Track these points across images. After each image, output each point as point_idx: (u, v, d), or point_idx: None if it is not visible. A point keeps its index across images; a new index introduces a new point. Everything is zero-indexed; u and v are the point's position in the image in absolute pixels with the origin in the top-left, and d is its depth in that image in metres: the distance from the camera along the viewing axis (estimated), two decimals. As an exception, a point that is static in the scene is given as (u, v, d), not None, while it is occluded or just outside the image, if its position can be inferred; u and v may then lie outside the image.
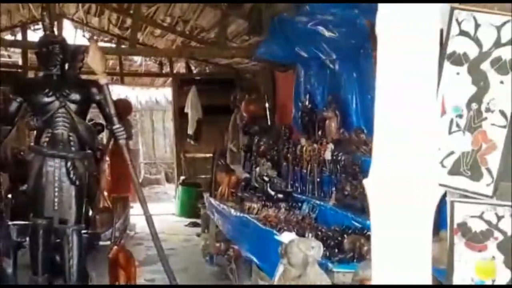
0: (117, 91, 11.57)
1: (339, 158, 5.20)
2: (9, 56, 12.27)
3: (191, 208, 9.61)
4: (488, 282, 2.31)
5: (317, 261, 3.57)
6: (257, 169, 6.46)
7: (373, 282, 1.40)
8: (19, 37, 9.88)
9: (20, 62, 10.76)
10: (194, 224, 9.13)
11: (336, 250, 4.03)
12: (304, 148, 5.96)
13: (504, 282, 2.27)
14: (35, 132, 5.49)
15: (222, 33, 8.28)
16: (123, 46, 10.31)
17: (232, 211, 5.76)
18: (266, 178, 5.96)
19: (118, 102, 5.81)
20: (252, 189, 6.35)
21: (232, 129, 8.67)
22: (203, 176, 10.18)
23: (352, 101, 5.66)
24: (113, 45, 10.63)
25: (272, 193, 5.77)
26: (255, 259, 4.83)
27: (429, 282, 1.34)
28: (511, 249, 2.31)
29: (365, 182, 1.39)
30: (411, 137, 1.32)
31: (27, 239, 5.27)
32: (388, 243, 1.33)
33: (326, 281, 3.45)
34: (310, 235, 4.22)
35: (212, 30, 8.90)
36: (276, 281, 3.67)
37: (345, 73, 5.79)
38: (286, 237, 3.81)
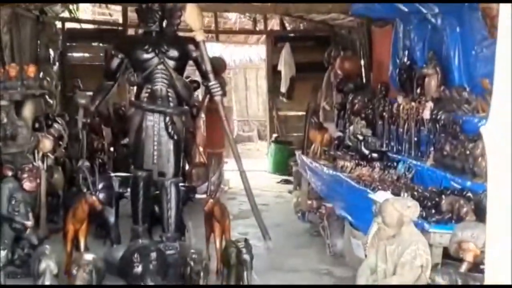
0: (212, 49, 11.70)
1: (439, 117, 5.01)
2: (110, 15, 12.71)
3: (283, 165, 9.67)
4: None
5: (412, 221, 3.50)
6: (351, 127, 6.35)
7: (487, 237, 1.32)
8: (119, -5, 10.15)
9: (120, 20, 11.11)
10: (286, 181, 9.20)
11: (433, 211, 3.92)
12: (401, 107, 5.78)
13: None
14: (135, 88, 5.66)
15: (318, -12, 8.09)
16: (219, 3, 10.36)
17: (325, 169, 5.73)
18: (360, 137, 5.85)
19: (212, 60, 5.86)
20: (346, 147, 6.26)
21: (325, 87, 8.54)
22: (295, 134, 10.18)
23: (454, 57, 5.38)
24: (209, 3, 10.70)
25: (366, 152, 5.66)
26: (348, 217, 4.81)
27: None
28: None
29: (482, 129, 1.30)
30: None
31: (128, 190, 5.52)
32: (507, 195, 1.25)
33: (422, 241, 3.37)
34: (405, 194, 4.12)
35: (308, -14, 8.71)
36: (369, 239, 3.64)
37: (447, 28, 5.50)
38: (380, 196, 3.75)
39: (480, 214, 3.58)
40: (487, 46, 4.77)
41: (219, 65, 8.09)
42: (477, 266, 3.35)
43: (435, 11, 5.64)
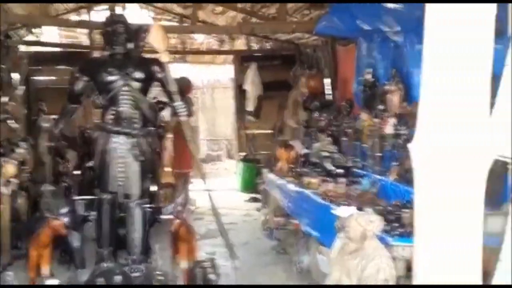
0: (179, 69, 11.73)
1: (401, 132, 5.09)
2: (75, 37, 12.65)
3: (251, 183, 9.68)
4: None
5: (376, 235, 3.54)
6: (317, 144, 6.42)
7: (415, 251, 1.36)
8: (85, 18, 10.13)
9: (86, 43, 11.07)
10: (254, 199, 9.20)
11: (396, 225, 3.96)
12: (365, 123, 5.86)
13: None
14: (100, 110, 5.63)
15: (282, 8, 8.21)
16: (185, 25, 10.42)
17: (291, 186, 5.76)
18: (325, 154, 5.91)
19: (178, 80, 5.89)
20: (312, 164, 6.32)
21: (292, 105, 8.62)
22: (263, 152, 10.23)
23: (417, 74, 5.50)
24: (176, 24, 10.75)
25: (332, 168, 5.71)
26: (314, 233, 4.84)
27: (479, 251, 1.29)
28: None
29: (409, 145, 1.35)
30: (459, 106, 1.27)
31: (94, 213, 5.45)
32: (433, 210, 1.29)
33: (385, 255, 3.41)
34: (369, 209, 4.16)
35: (273, 6, 8.83)
36: (333, 254, 3.66)
37: (409, 46, 5.62)
38: (344, 211, 3.78)
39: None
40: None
41: (185, 86, 8.09)
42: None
43: (396, 29, 5.76)
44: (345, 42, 7.95)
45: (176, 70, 8.78)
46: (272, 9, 9.01)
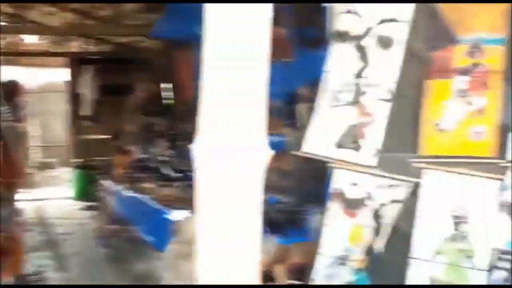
0: (8, 72, 10.98)
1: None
2: None
3: (87, 191, 9.31)
4: (357, 249, 2.37)
5: (210, 237, 3.57)
6: (154, 149, 6.36)
7: (198, 251, 1.40)
8: None
9: None
10: (90, 208, 8.84)
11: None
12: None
13: (374, 249, 2.33)
14: None
15: (118, 10, 8.03)
16: (14, 25, 9.80)
17: (127, 192, 5.63)
18: (163, 158, 5.87)
19: (5, 84, 5.53)
20: (149, 169, 6.24)
21: (131, 109, 8.47)
22: (100, 158, 9.90)
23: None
24: (3, 23, 10.04)
25: (169, 172, 5.69)
26: (149, 239, 4.77)
27: (257, 250, 1.34)
28: (382, 218, 2.38)
29: (191, 147, 1.38)
30: (236, 106, 1.33)
31: None
32: (213, 210, 1.34)
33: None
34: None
35: (108, 7, 8.60)
36: (167, 258, 3.64)
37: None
38: (178, 215, 3.79)
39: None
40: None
41: (13, 89, 7.59)
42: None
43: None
44: (184, 46, 7.98)
45: (4, 73, 8.21)
46: (107, 11, 8.78)
